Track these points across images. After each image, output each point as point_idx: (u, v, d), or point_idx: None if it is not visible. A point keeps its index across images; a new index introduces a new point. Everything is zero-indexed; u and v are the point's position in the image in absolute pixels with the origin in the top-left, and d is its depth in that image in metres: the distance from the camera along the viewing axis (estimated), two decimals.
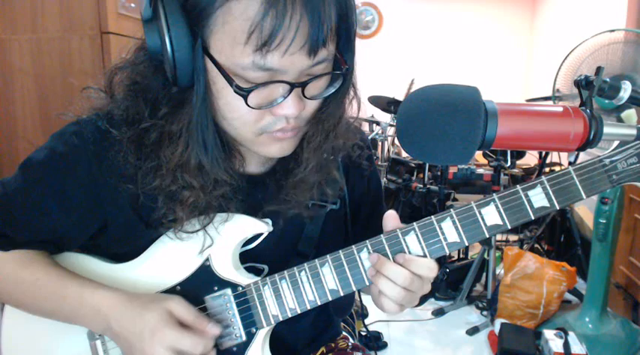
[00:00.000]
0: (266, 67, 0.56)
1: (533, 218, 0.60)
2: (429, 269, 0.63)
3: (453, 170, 3.37)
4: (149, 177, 0.66)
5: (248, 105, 0.58)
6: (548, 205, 0.60)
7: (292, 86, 0.58)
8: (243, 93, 0.57)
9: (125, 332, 0.66)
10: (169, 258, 0.73)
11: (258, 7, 0.53)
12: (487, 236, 0.62)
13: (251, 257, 0.77)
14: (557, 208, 0.60)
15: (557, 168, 3.36)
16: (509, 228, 0.61)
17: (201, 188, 0.65)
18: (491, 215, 0.62)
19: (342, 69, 0.63)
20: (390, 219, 0.66)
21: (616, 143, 0.59)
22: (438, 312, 2.52)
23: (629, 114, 0.59)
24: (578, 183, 0.58)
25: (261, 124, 0.63)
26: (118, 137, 0.66)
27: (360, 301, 0.88)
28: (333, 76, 0.64)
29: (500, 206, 0.61)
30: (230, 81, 0.57)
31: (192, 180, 0.65)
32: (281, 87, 0.59)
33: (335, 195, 0.78)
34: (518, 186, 0.61)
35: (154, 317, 0.65)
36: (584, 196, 0.59)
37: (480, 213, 0.62)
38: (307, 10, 0.54)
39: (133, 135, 0.66)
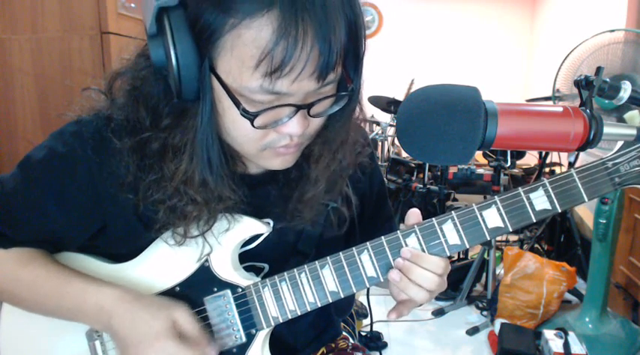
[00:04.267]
0: (274, 91, 0.56)
1: (535, 220, 0.60)
2: (443, 268, 0.64)
3: (453, 170, 3.37)
4: (151, 189, 0.66)
5: (254, 126, 0.58)
6: (550, 208, 0.59)
7: (298, 108, 0.58)
8: (250, 117, 0.57)
9: (125, 332, 0.65)
10: (168, 259, 0.72)
11: (269, 35, 0.52)
12: (488, 238, 0.62)
13: (251, 256, 0.77)
14: (559, 211, 0.60)
15: (557, 169, 3.36)
16: (511, 230, 0.61)
17: (204, 203, 0.65)
18: (492, 217, 0.61)
19: (348, 88, 0.62)
20: (413, 217, 0.66)
21: (619, 145, 0.59)
22: (438, 312, 2.52)
23: (633, 115, 0.59)
24: (580, 185, 0.58)
25: (266, 141, 0.63)
26: (119, 146, 0.66)
27: (369, 301, 0.88)
28: (339, 96, 0.63)
29: (501, 208, 0.61)
30: (237, 103, 0.56)
31: (196, 195, 0.64)
32: (287, 108, 0.59)
33: (336, 194, 0.78)
34: (520, 188, 0.60)
35: (158, 325, 0.64)
36: (586, 199, 0.58)
37: (482, 216, 0.62)
38: (319, 39, 0.53)
39: (134, 145, 0.66)
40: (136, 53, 0.67)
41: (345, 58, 0.61)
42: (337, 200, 0.79)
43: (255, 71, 0.54)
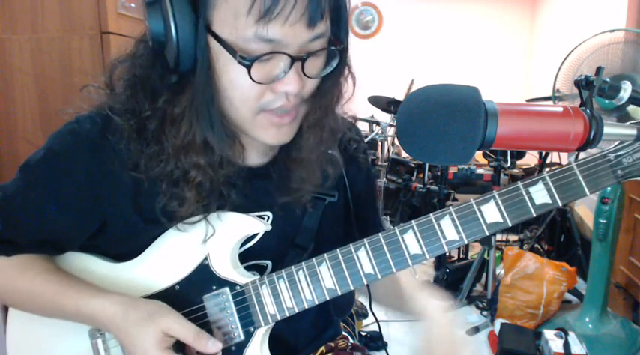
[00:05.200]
0: (268, 37, 0.57)
1: (534, 215, 0.59)
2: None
3: (453, 170, 3.37)
4: (152, 162, 0.67)
5: (251, 78, 0.59)
6: (550, 202, 0.59)
7: (293, 59, 0.59)
8: (247, 63, 0.58)
9: (122, 343, 0.67)
10: (168, 257, 0.73)
11: None
12: (487, 234, 0.61)
13: (251, 253, 0.77)
14: (560, 205, 0.59)
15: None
16: (510, 225, 0.60)
17: (207, 166, 0.66)
18: (491, 212, 0.61)
19: (338, 47, 0.64)
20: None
21: None
22: None
23: (636, 108, 0.59)
24: (581, 179, 0.57)
25: (262, 102, 0.63)
26: (120, 125, 0.67)
27: (370, 300, 0.88)
28: (330, 55, 0.65)
29: (500, 203, 0.60)
30: (233, 53, 0.58)
31: (199, 158, 0.65)
32: (282, 61, 0.60)
33: (333, 186, 0.78)
34: (519, 182, 0.60)
35: (144, 340, 0.64)
36: (587, 192, 0.57)
37: (480, 211, 0.61)
38: None
39: (135, 124, 0.67)
40: (135, 41, 0.69)
41: (333, 21, 0.63)
42: (334, 194, 0.79)
43: (248, 17, 0.56)
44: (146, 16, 0.60)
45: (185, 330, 0.66)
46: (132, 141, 0.67)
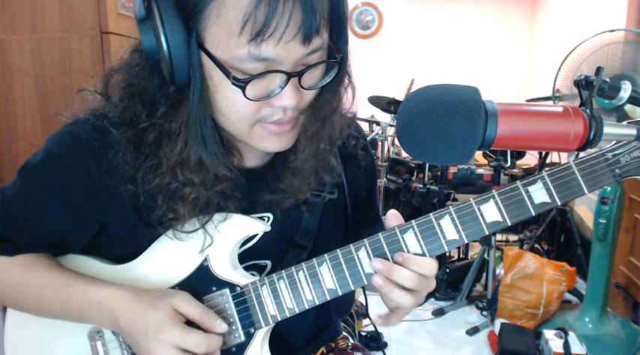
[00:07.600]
0: (262, 57, 0.56)
1: (534, 214, 0.60)
2: (430, 268, 0.63)
3: (453, 170, 3.37)
4: (149, 176, 0.66)
5: (246, 97, 0.58)
6: (549, 201, 0.59)
7: (289, 76, 0.59)
8: (241, 85, 0.57)
9: (132, 329, 0.66)
10: (168, 259, 0.73)
11: None
12: (487, 233, 0.62)
13: (251, 252, 0.77)
14: (559, 204, 0.59)
15: None
16: (510, 224, 0.61)
17: (201, 184, 0.65)
18: (490, 211, 0.61)
19: (337, 57, 0.63)
20: (393, 218, 0.66)
21: None
22: (438, 312, 2.53)
23: (634, 107, 0.59)
24: (579, 177, 0.58)
25: (258, 116, 0.63)
26: (118, 137, 0.66)
27: (367, 299, 0.88)
28: (329, 65, 0.64)
29: (499, 202, 0.61)
30: (227, 73, 0.57)
31: (193, 176, 0.65)
32: (278, 77, 0.59)
33: (332, 183, 0.78)
34: (518, 181, 0.60)
35: (158, 315, 0.65)
36: (586, 191, 0.58)
37: (480, 210, 0.61)
38: None
39: (132, 136, 0.66)
40: (130, 50, 0.68)
41: (331, 30, 0.62)
42: (334, 191, 0.79)
43: (240, 36, 0.55)
44: (139, 31, 0.59)
45: (193, 308, 0.67)
46: (128, 155, 0.66)
